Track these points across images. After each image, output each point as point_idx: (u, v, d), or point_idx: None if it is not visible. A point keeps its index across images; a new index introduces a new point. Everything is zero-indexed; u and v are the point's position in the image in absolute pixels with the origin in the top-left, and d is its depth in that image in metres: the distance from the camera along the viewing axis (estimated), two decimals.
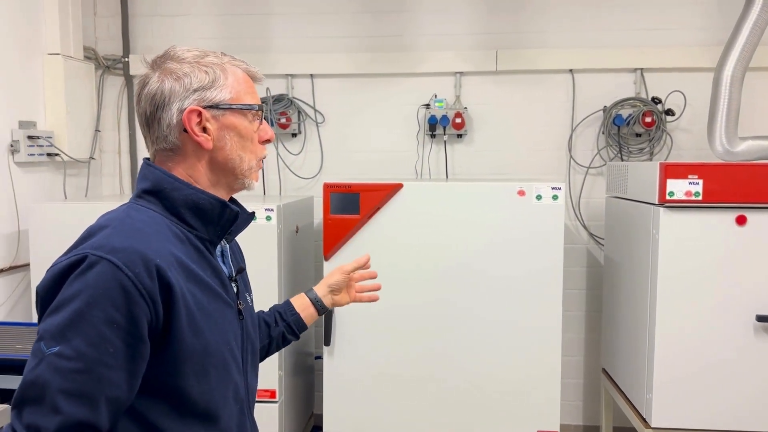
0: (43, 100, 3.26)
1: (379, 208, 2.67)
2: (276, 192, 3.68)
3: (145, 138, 1.20)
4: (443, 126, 3.49)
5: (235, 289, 1.23)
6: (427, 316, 2.72)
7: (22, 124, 3.08)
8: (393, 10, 3.58)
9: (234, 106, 1.17)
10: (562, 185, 2.64)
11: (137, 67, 3.68)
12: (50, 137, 3.21)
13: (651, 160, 3.43)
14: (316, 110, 3.64)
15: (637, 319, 2.69)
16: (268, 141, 1.25)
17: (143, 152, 3.75)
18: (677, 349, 2.47)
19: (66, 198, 3.37)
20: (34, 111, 3.19)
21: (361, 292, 1.67)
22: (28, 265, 3.01)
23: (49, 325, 0.99)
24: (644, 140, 3.45)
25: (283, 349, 2.82)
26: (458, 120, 3.47)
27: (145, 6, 3.69)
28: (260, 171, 1.31)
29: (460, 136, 3.58)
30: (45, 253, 2.84)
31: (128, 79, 3.71)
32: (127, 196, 3.62)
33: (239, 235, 1.29)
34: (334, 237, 2.67)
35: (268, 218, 2.69)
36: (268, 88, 3.56)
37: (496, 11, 3.53)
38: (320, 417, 3.62)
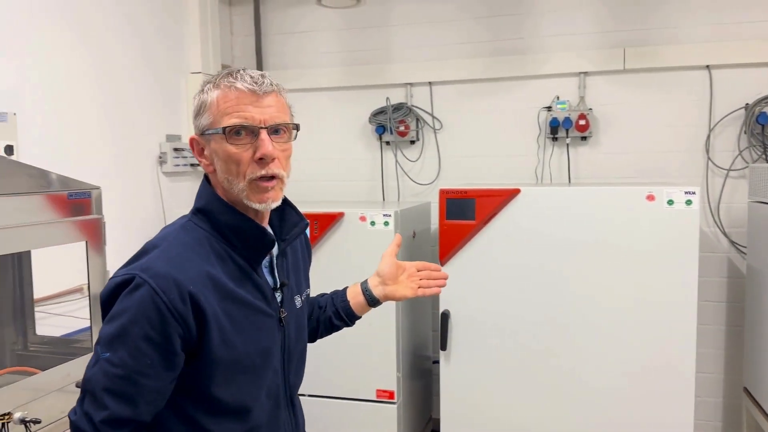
0: (187, 115, 3.57)
1: (495, 214, 2.65)
2: (394, 198, 3.76)
3: None
4: (566, 128, 3.39)
5: (279, 298, 1.32)
6: (545, 323, 2.65)
7: (170, 138, 3.40)
8: (512, 13, 3.54)
9: (209, 131, 1.20)
10: (696, 189, 2.47)
11: None
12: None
13: None
14: (434, 117, 3.68)
15: None
16: (261, 158, 1.18)
17: None
18: None
19: None
20: (178, 125, 3.51)
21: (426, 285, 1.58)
22: None
23: (104, 333, 1.16)
24: None
25: (400, 352, 2.91)
26: (582, 122, 3.36)
27: (276, 25, 3.93)
28: (268, 192, 1.22)
29: (584, 138, 3.46)
30: None
31: None
32: None
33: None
34: (450, 242, 2.69)
35: (386, 223, 2.76)
36: (387, 98, 3.66)
37: (622, 7, 3.38)
38: (438, 422, 3.65)
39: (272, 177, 1.21)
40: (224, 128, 1.18)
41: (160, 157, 3.32)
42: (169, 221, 3.18)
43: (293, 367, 1.38)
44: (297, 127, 1.29)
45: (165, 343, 1.14)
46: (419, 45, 3.68)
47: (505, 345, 2.71)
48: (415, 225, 3.19)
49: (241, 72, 1.21)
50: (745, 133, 3.23)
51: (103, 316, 1.19)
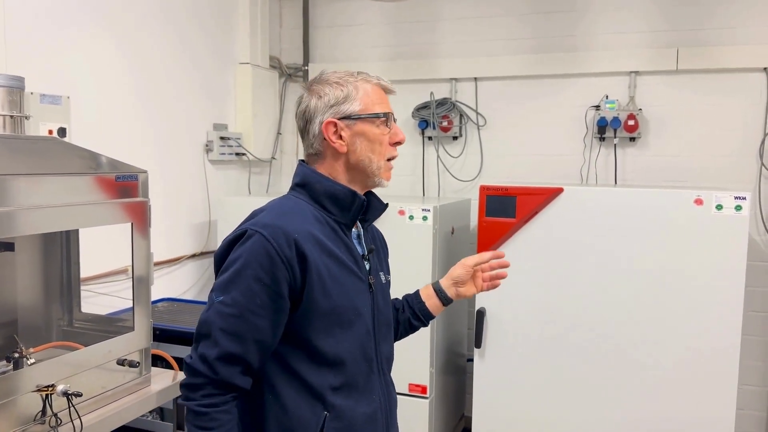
0: (234, 105, 3.64)
1: (536, 213, 2.62)
2: (435, 194, 3.75)
3: (302, 144, 1.50)
4: (614, 128, 3.32)
5: (367, 266, 1.46)
6: (581, 324, 2.61)
7: (216, 127, 3.47)
8: (562, 9, 3.48)
9: (362, 116, 1.39)
10: (747, 194, 2.39)
11: (315, 74, 3.95)
12: (239, 138, 3.57)
13: None
14: (478, 113, 3.65)
15: None
16: (398, 143, 1.44)
17: None
18: None
19: (250, 194, 3.73)
20: (225, 115, 3.58)
21: (488, 280, 1.67)
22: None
23: (218, 281, 1.33)
24: None
25: (435, 348, 2.91)
26: (631, 122, 3.28)
27: (324, 18, 3.96)
28: (391, 171, 1.46)
29: (632, 139, 3.38)
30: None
31: None
32: None
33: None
34: (489, 240, 2.67)
35: (425, 218, 2.76)
36: (432, 92, 3.65)
37: (676, 7, 3.28)
38: (471, 419, 3.63)
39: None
40: (384, 114, 1.40)
41: (207, 146, 3.39)
42: (215, 208, 3.33)
43: (382, 334, 1.48)
44: None
45: (273, 285, 1.28)
46: (465, 40, 3.66)
47: (540, 345, 2.67)
48: (455, 221, 3.17)
49: (371, 73, 1.44)
50: None
51: (216, 272, 1.36)
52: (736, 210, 2.40)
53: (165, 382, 2.17)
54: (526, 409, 2.71)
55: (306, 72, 3.98)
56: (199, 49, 3.31)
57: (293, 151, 4.09)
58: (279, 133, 3.98)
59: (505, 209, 2.62)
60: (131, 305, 2.07)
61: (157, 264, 3.04)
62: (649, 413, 2.54)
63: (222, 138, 3.45)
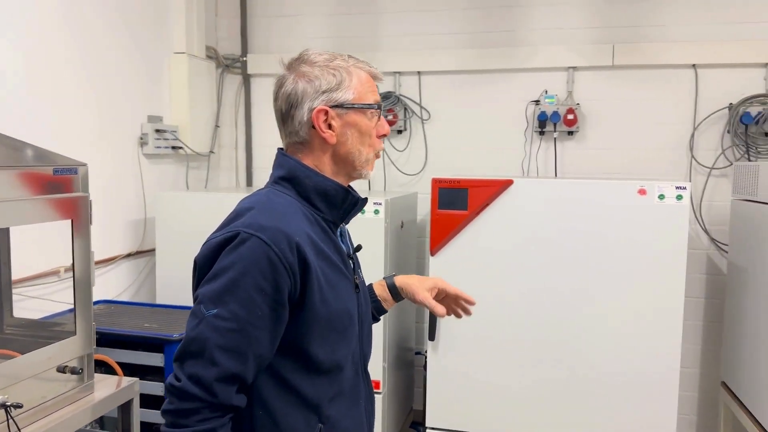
0: (169, 96, 3.47)
1: (487, 205, 2.64)
2: (380, 188, 3.72)
3: (280, 131, 1.36)
4: (554, 122, 3.40)
5: (352, 265, 1.38)
6: (533, 314, 2.65)
7: (151, 119, 3.30)
8: (503, 5, 3.53)
9: (356, 105, 1.30)
10: (687, 185, 2.49)
11: (254, 66, 3.85)
12: (175, 131, 3.41)
13: None
14: (422, 107, 3.65)
15: (766, 329, 2.49)
16: (384, 135, 1.36)
17: (259, 147, 3.93)
18: None
19: (188, 189, 3.57)
20: (160, 106, 3.41)
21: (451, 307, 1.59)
22: (152, 250, 3.22)
23: (207, 291, 1.17)
24: None
25: (387, 343, 2.88)
26: (570, 116, 3.37)
27: (263, 7, 3.85)
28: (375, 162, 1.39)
29: (571, 133, 3.47)
30: (169, 239, 3.04)
31: (246, 77, 3.88)
32: (243, 188, 3.80)
33: (350, 223, 1.42)
34: (441, 232, 2.67)
35: (376, 212, 2.72)
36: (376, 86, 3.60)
37: (613, 4, 3.40)
38: (419, 413, 3.64)
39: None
40: (378, 104, 1.32)
41: (141, 139, 3.21)
42: (151, 204, 3.16)
43: (365, 335, 1.41)
44: None
45: (275, 294, 1.17)
46: (409, 33, 3.65)
47: (493, 336, 2.69)
48: (403, 215, 3.16)
49: (360, 57, 1.34)
50: (728, 132, 3.28)
51: (200, 279, 1.21)
52: (677, 199, 2.50)
53: (109, 388, 2.04)
54: (480, 400, 2.73)
55: (244, 63, 3.86)
56: (131, 37, 3.13)
57: (232, 144, 3.96)
58: (217, 126, 3.84)
59: (458, 201, 2.62)
60: (64, 309, 1.93)
61: None
62: (598, 398, 2.62)
63: (157, 131, 3.28)
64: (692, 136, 3.34)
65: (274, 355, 1.22)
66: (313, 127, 1.28)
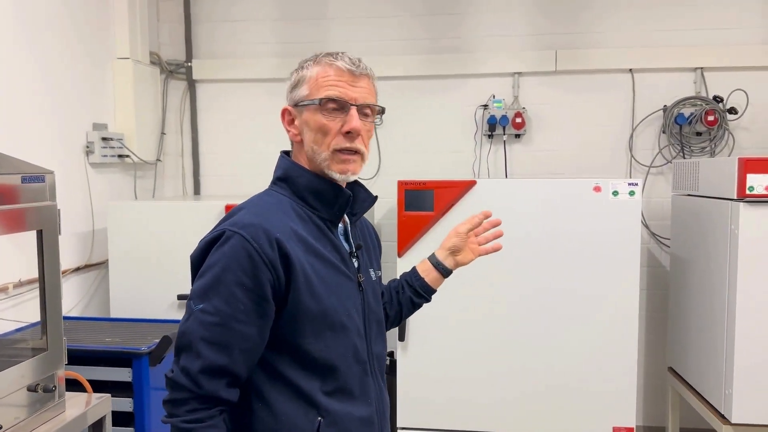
0: (113, 103, 3.34)
1: (452, 205, 2.70)
2: None
3: None
4: (503, 126, 3.51)
5: (355, 264, 1.37)
6: (501, 311, 2.73)
7: (96, 126, 3.16)
8: (450, 12, 3.62)
9: (304, 102, 1.30)
10: (639, 181, 2.65)
11: (200, 71, 3.76)
12: (121, 139, 3.29)
13: (712, 158, 3.42)
14: None
15: (712, 315, 2.68)
16: (348, 132, 1.28)
17: (206, 155, 3.84)
18: (757, 344, 2.46)
19: (136, 198, 3.44)
20: (105, 114, 3.28)
21: (483, 243, 1.63)
22: (102, 263, 3.09)
23: (196, 287, 1.23)
24: (705, 139, 3.44)
25: None
26: (518, 120, 3.49)
27: (207, 12, 3.77)
28: (346, 163, 1.30)
29: (518, 136, 3.60)
30: (122, 251, 2.92)
31: (191, 83, 3.78)
32: (190, 197, 3.69)
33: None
34: (408, 234, 2.70)
35: None
36: None
37: (554, 11, 3.55)
38: None
39: (355, 151, 1.30)
40: (320, 99, 1.28)
41: (87, 147, 3.08)
42: (99, 215, 3.02)
43: (374, 334, 1.40)
44: (383, 111, 1.38)
45: (256, 289, 1.19)
46: (357, 39, 3.68)
47: (461, 334, 2.75)
48: None
49: (341, 53, 1.32)
50: (663, 132, 3.50)
51: (193, 277, 1.26)
52: (630, 195, 2.65)
53: (79, 407, 1.95)
54: (449, 398, 2.77)
55: (189, 68, 3.77)
56: (73, 42, 2.99)
57: (178, 152, 3.85)
58: (163, 133, 3.72)
59: (424, 203, 2.66)
60: (39, 319, 1.83)
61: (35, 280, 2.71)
62: (561, 388, 2.72)
63: (104, 139, 3.15)
64: (631, 136, 3.54)
65: (267, 349, 1.24)
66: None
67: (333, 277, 1.29)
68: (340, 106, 1.28)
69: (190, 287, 1.26)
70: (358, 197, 1.38)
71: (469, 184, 2.70)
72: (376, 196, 1.42)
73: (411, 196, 2.68)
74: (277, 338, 1.24)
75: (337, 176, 1.30)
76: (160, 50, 3.79)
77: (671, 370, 3.23)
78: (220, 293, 1.19)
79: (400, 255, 2.74)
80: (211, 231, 1.27)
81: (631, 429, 2.68)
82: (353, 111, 1.28)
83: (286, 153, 1.40)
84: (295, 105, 1.32)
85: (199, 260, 1.26)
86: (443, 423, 2.79)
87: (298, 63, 1.36)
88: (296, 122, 1.32)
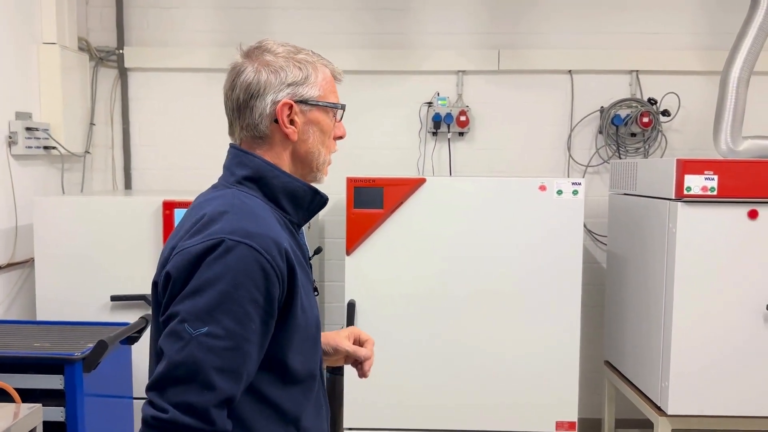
0: (39, 91, 3.12)
1: (402, 203, 2.67)
2: None
3: (231, 123, 1.28)
4: (447, 124, 3.52)
5: (310, 267, 1.32)
6: (447, 309, 2.74)
7: (19, 116, 2.95)
8: (394, 7, 3.59)
9: (321, 104, 1.25)
10: (582, 181, 2.71)
11: (132, 59, 3.57)
12: (47, 129, 3.08)
13: (646, 159, 3.55)
14: None
15: (649, 311, 2.77)
16: (340, 137, 1.33)
17: (137, 147, 3.65)
18: (693, 339, 2.56)
19: (63, 193, 3.24)
20: (29, 102, 3.06)
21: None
22: (27, 261, 2.89)
23: (191, 307, 1.05)
24: (639, 140, 3.57)
25: None
26: (463, 118, 3.51)
27: None
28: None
29: (462, 134, 3.62)
30: (50, 249, 2.74)
31: (122, 71, 3.59)
32: (121, 191, 3.51)
33: None
34: (358, 232, 2.66)
35: None
36: None
37: (497, 11, 3.59)
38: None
39: None
40: (341, 105, 1.29)
41: (10, 138, 2.86)
42: (22, 210, 2.82)
43: (319, 341, 1.32)
44: None
45: (267, 306, 1.09)
46: (299, 31, 3.59)
47: (408, 333, 2.74)
48: None
49: (322, 56, 1.30)
50: (600, 133, 3.60)
51: (174, 293, 1.08)
52: (573, 194, 2.71)
53: (7, 419, 1.79)
54: (396, 397, 2.76)
55: (121, 56, 3.57)
56: None
57: (108, 144, 3.64)
58: (92, 124, 3.51)
59: (373, 200, 2.63)
60: None
61: None
62: (504, 384, 2.76)
63: (28, 129, 2.94)
64: (569, 136, 3.63)
65: None
66: (276, 121, 1.21)
67: (308, 286, 1.24)
68: (342, 113, 1.32)
69: (166, 305, 1.09)
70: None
71: (418, 182, 2.69)
72: (327, 198, 1.33)
73: (360, 193, 2.64)
74: (265, 356, 1.13)
75: (323, 180, 1.31)
76: (89, 36, 3.57)
77: (608, 363, 3.33)
78: (232, 312, 1.04)
79: (348, 253, 2.69)
80: (193, 239, 1.10)
81: (574, 423, 2.75)
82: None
83: (238, 148, 1.26)
84: (301, 102, 1.23)
85: (185, 275, 1.08)
86: (390, 422, 2.78)
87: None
88: (297, 120, 1.22)
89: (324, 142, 1.27)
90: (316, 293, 1.30)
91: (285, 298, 1.13)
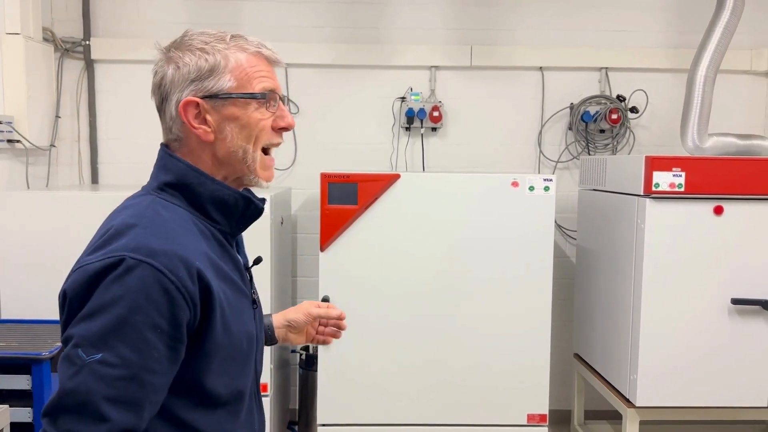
0: (1, 82, 3.03)
1: (376, 199, 2.67)
2: None
3: (162, 125, 1.17)
4: (420, 119, 3.52)
5: (249, 278, 1.21)
6: (422, 304, 2.75)
7: None
8: (368, 1, 3.58)
9: (233, 95, 1.10)
10: (553, 177, 2.74)
11: (99, 50, 3.50)
12: (11, 122, 2.99)
13: (614, 155, 3.61)
14: (289, 100, 3.58)
15: (618, 304, 2.83)
16: (284, 128, 1.15)
17: (105, 141, 3.58)
18: (660, 332, 2.62)
19: (28, 188, 3.15)
20: None
21: (325, 334, 1.51)
22: None
23: (86, 332, 0.95)
24: (608, 136, 3.63)
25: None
26: (436, 113, 3.52)
27: None
28: (272, 168, 1.17)
29: (434, 129, 3.63)
30: (14, 246, 2.67)
31: (89, 63, 3.51)
32: (87, 186, 3.43)
33: None
34: (332, 228, 2.65)
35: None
36: None
37: (470, 7, 3.60)
38: (294, 412, 3.59)
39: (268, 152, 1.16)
40: (262, 93, 1.10)
41: None
42: None
43: (259, 355, 1.24)
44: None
45: (173, 331, 0.98)
46: (275, 24, 3.55)
47: (382, 329, 2.74)
48: (281, 211, 3.08)
49: (250, 37, 1.14)
50: (570, 129, 3.65)
51: (71, 313, 0.98)
52: (545, 190, 2.74)
53: None
54: (369, 392, 2.76)
55: (87, 47, 3.49)
56: None
57: (74, 137, 3.56)
58: (57, 117, 3.43)
59: (348, 196, 2.62)
60: None
61: None
62: (475, 379, 2.79)
63: None
64: (540, 132, 3.67)
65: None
66: (184, 122, 1.09)
67: (237, 302, 1.12)
68: (274, 100, 1.13)
69: (64, 325, 1.00)
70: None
71: (393, 178, 2.69)
72: (265, 200, 1.21)
73: (335, 189, 2.63)
74: (179, 380, 1.03)
75: (264, 184, 1.15)
76: (53, 26, 3.48)
77: (577, 356, 3.39)
78: (128, 339, 0.94)
79: (323, 249, 2.68)
80: (93, 255, 1.00)
81: (545, 416, 2.80)
82: (283, 104, 1.15)
83: (166, 149, 1.15)
84: (213, 97, 1.09)
85: (81, 294, 0.97)
86: (364, 418, 2.78)
87: (181, 45, 1.10)
88: (209, 118, 1.09)
89: (248, 137, 1.11)
90: (255, 306, 1.20)
91: (199, 320, 1.02)
